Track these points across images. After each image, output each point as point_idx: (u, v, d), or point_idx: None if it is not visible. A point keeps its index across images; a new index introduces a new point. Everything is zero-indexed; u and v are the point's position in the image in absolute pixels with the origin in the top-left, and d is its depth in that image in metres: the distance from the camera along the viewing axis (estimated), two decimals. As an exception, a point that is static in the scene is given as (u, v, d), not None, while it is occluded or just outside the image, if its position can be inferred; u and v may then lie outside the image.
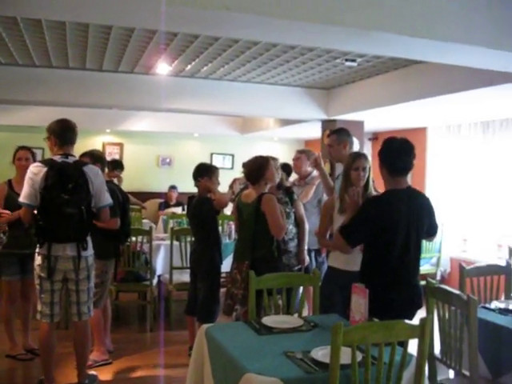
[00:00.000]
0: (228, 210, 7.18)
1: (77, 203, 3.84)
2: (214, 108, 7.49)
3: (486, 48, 3.73)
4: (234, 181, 7.22)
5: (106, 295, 4.85)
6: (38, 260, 3.94)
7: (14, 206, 4.44)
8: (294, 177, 5.95)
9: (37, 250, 3.96)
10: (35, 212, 3.88)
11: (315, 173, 5.33)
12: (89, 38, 5.25)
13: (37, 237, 3.92)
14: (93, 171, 4.03)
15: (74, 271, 3.96)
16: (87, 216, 3.92)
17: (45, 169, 3.84)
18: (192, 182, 4.90)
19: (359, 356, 2.41)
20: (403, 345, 2.43)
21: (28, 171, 3.92)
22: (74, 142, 4.10)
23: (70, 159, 3.98)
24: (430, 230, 3.50)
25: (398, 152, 3.35)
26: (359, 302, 2.88)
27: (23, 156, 4.82)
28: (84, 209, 3.88)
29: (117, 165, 7.82)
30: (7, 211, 4.42)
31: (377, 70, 6.35)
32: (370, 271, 3.38)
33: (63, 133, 4.03)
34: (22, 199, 3.89)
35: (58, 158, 3.94)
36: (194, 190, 4.96)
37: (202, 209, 4.70)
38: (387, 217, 3.29)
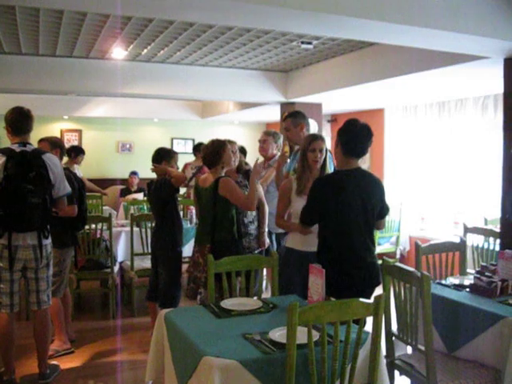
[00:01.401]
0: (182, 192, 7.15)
1: (41, 193, 3.80)
2: (172, 92, 7.43)
3: (440, 30, 3.80)
4: (186, 165, 7.22)
5: (65, 284, 4.80)
6: None
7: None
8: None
9: None
10: None
11: (278, 155, 5.33)
12: (40, 23, 5.14)
13: None
14: (52, 160, 3.97)
15: (34, 260, 3.92)
16: (50, 205, 3.88)
17: (3, 158, 3.76)
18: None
19: (316, 335, 2.45)
20: (359, 323, 2.49)
21: None
22: (30, 130, 4.01)
23: (29, 147, 3.91)
24: (381, 212, 3.55)
25: (357, 135, 3.40)
26: (316, 282, 2.92)
27: None
28: (47, 198, 3.84)
29: (80, 150, 7.76)
30: None
31: (333, 52, 6.38)
32: (325, 251, 3.44)
33: (17, 121, 3.95)
34: None
35: (16, 147, 3.86)
36: (155, 175, 4.95)
37: (161, 190, 4.69)
38: (335, 195, 3.36)
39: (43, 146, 4.49)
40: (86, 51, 6.45)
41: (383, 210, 3.56)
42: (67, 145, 9.22)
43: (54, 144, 4.67)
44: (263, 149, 5.37)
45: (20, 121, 3.96)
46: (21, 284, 4.07)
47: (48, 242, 4.02)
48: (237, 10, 3.40)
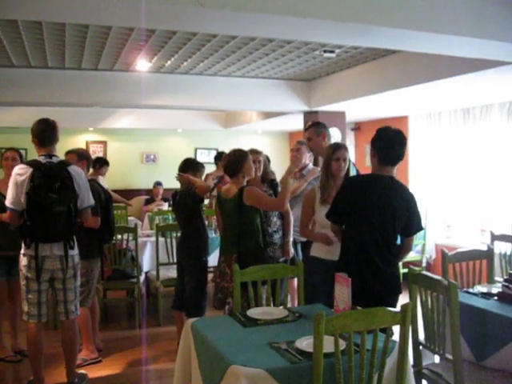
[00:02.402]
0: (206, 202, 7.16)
1: (65, 201, 3.87)
2: (195, 103, 7.48)
3: (464, 36, 3.77)
4: (207, 176, 7.24)
5: (92, 293, 4.86)
6: (23, 261, 3.95)
7: (0, 207, 4.45)
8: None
9: (22, 251, 3.97)
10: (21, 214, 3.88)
11: (311, 165, 5.32)
12: (66, 37, 5.23)
13: (23, 238, 3.92)
14: (77, 171, 4.06)
15: (61, 270, 3.98)
16: (74, 215, 3.94)
17: (30, 170, 3.85)
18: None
19: (343, 344, 2.44)
20: (386, 332, 2.47)
21: (13, 173, 3.93)
22: (55, 141, 4.10)
23: (54, 159, 4.00)
24: (406, 229, 3.43)
25: (391, 141, 3.38)
26: (342, 291, 2.91)
27: (10, 156, 4.83)
28: (72, 207, 3.90)
29: (104, 161, 7.87)
30: None
31: (355, 60, 6.38)
32: (347, 260, 3.42)
33: (42, 133, 4.04)
34: (8, 204, 3.91)
35: (42, 159, 3.95)
36: (179, 185, 4.99)
37: (186, 200, 4.73)
38: (360, 196, 3.33)
39: (70, 158, 4.58)
40: (111, 64, 6.53)
41: (410, 227, 3.44)
42: (92, 156, 9.32)
43: (81, 156, 4.76)
44: (296, 158, 5.37)
45: (45, 132, 4.05)
46: (48, 294, 4.12)
47: (75, 252, 4.08)
48: (260, 21, 3.43)
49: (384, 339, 2.46)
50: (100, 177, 7.69)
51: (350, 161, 4.03)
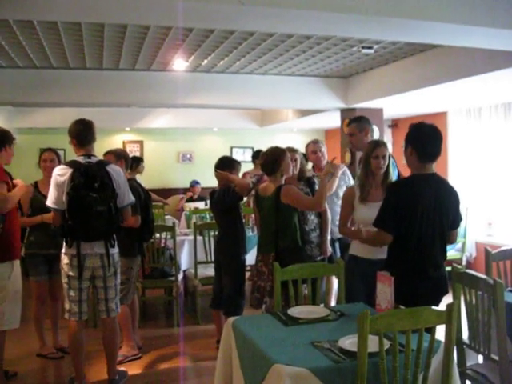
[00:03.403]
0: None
1: (105, 201, 3.91)
2: (232, 102, 7.50)
3: (505, 29, 3.69)
4: (244, 174, 7.24)
5: (132, 291, 4.91)
6: (65, 259, 4.01)
7: (40, 208, 4.53)
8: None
9: (63, 250, 4.03)
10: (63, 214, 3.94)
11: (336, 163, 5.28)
12: (105, 38, 5.29)
13: (65, 237, 3.98)
14: (115, 170, 4.10)
15: (101, 268, 4.03)
16: (115, 213, 3.99)
17: (70, 170, 3.90)
18: (213, 177, 4.94)
19: (386, 344, 2.40)
20: (430, 331, 2.43)
21: (53, 174, 3.99)
22: (93, 140, 4.15)
23: (93, 159, 4.04)
24: (454, 223, 3.42)
25: (429, 137, 3.32)
26: (384, 290, 2.87)
27: (48, 157, 4.90)
28: (112, 206, 3.95)
29: (139, 159, 7.96)
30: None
31: (394, 56, 6.30)
32: (395, 259, 3.36)
33: (80, 133, 4.09)
34: (50, 204, 3.96)
35: (81, 159, 4.00)
36: (216, 184, 5.00)
37: (225, 198, 4.74)
38: (410, 199, 3.26)
39: (109, 158, 4.64)
40: (148, 64, 6.58)
41: (456, 221, 3.43)
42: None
43: (119, 155, 4.83)
44: (318, 158, 5.34)
45: (83, 132, 4.10)
46: (89, 293, 4.18)
47: (115, 251, 4.12)
48: (299, 17, 3.41)
49: (429, 339, 2.41)
50: (137, 175, 7.76)
51: (390, 158, 3.97)
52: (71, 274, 3.98)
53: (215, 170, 4.86)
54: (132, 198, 4.22)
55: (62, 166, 4.01)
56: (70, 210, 3.87)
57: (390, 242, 3.37)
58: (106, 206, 3.91)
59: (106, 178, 3.95)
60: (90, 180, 3.87)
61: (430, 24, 3.56)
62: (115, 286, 4.16)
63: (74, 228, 3.90)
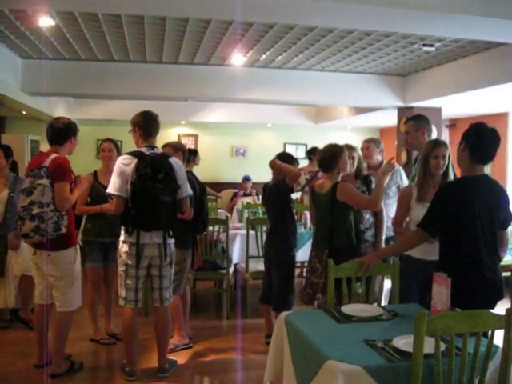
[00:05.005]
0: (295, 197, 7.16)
1: (169, 192, 3.98)
2: (288, 98, 7.50)
3: None
4: (299, 170, 7.22)
5: (184, 282, 4.97)
6: (124, 247, 4.08)
7: (99, 197, 4.64)
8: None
9: (122, 238, 4.11)
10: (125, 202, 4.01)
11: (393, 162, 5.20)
12: (166, 32, 5.37)
13: (125, 225, 4.06)
14: (177, 163, 4.18)
15: (158, 258, 4.10)
16: (177, 205, 4.06)
17: (135, 160, 3.98)
18: (266, 173, 4.96)
19: (442, 346, 2.36)
20: (486, 335, 2.37)
21: (117, 163, 4.07)
22: (156, 134, 4.24)
23: (157, 151, 4.12)
24: (504, 223, 3.32)
25: (487, 139, 3.24)
26: (441, 291, 2.82)
27: (107, 147, 5.01)
28: (176, 197, 4.03)
29: (195, 151, 8.06)
30: None
31: (455, 54, 6.17)
32: (449, 260, 3.29)
33: (147, 125, 4.17)
34: (113, 191, 4.01)
35: (145, 150, 4.07)
36: (268, 179, 5.03)
37: (276, 191, 4.78)
38: (461, 200, 3.19)
39: (167, 151, 4.69)
40: (207, 58, 6.65)
41: (507, 220, 3.34)
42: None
43: (177, 148, 4.89)
44: (366, 156, 5.29)
45: (150, 124, 4.18)
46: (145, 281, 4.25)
47: (172, 241, 4.20)
48: (362, 13, 3.38)
49: (487, 343, 2.36)
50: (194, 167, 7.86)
51: (449, 158, 3.89)
52: (129, 262, 4.06)
53: (271, 161, 4.88)
54: (190, 191, 4.29)
55: (126, 156, 4.08)
56: (134, 199, 3.94)
57: (417, 244, 3.39)
58: (170, 196, 3.99)
59: (169, 169, 4.02)
60: (156, 171, 3.95)
61: (498, 22, 3.46)
62: (170, 275, 4.24)
63: (137, 217, 3.97)
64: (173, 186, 4.02)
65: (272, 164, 4.87)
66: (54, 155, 4.05)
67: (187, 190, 4.23)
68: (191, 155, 7.94)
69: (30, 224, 3.88)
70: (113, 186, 4.01)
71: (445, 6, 3.35)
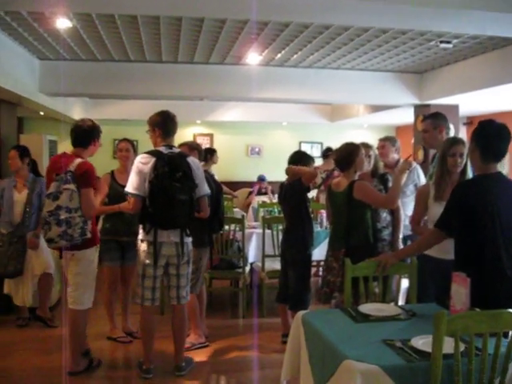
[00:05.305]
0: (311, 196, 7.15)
1: (187, 190, 4.00)
2: (303, 96, 7.49)
3: None
4: (315, 169, 7.22)
5: (201, 281, 4.98)
6: (142, 246, 4.11)
7: (116, 196, 4.65)
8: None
9: (140, 236, 4.14)
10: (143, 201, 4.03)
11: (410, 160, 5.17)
12: (182, 32, 5.39)
13: (143, 224, 4.08)
14: (195, 162, 4.20)
15: (176, 256, 4.11)
16: (194, 204, 4.08)
17: (153, 159, 3.99)
18: (281, 172, 4.95)
19: (461, 346, 2.34)
20: (506, 336, 2.34)
21: (136, 162, 4.08)
22: (174, 133, 4.26)
23: (175, 150, 4.13)
24: None
25: (495, 137, 3.19)
26: (460, 291, 2.79)
27: (124, 147, 5.03)
28: (193, 196, 4.04)
29: (213, 150, 8.11)
30: None
31: (473, 51, 6.11)
32: (468, 260, 3.26)
33: (165, 124, 4.19)
34: (131, 190, 4.03)
35: (163, 149, 4.08)
36: (282, 179, 5.03)
37: (293, 190, 4.78)
38: (478, 199, 3.15)
39: (183, 150, 4.71)
40: (222, 57, 6.66)
41: None
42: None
43: (192, 147, 4.89)
44: (382, 154, 5.25)
45: (168, 123, 4.21)
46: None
47: (189, 240, 4.21)
48: (377, 11, 3.36)
49: (508, 343, 2.33)
50: (213, 166, 7.90)
51: (467, 157, 3.85)
52: (147, 261, 4.08)
53: (288, 167, 4.87)
54: (208, 190, 4.30)
55: (144, 155, 4.09)
56: (152, 197, 3.96)
57: (435, 243, 3.36)
58: (187, 195, 4.00)
59: (187, 168, 4.03)
60: (173, 170, 3.96)
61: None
62: (187, 274, 4.25)
63: (154, 215, 3.99)
64: (190, 184, 4.03)
65: (288, 171, 4.87)
66: (80, 160, 4.04)
67: (205, 188, 4.24)
68: (208, 154, 8.01)
69: (57, 229, 3.88)
70: (131, 185, 4.04)
71: (462, 3, 3.32)
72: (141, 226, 4.14)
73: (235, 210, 8.80)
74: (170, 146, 4.15)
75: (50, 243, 4.00)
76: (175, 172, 3.95)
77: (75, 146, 4.19)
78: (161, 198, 3.92)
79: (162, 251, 4.07)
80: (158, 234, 4.04)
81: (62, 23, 4.93)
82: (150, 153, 4.08)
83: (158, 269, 4.11)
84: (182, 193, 3.95)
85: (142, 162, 4.03)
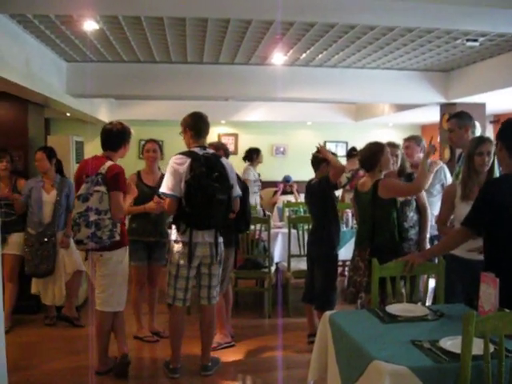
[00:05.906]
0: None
1: (225, 190, 4.03)
2: (328, 95, 7.47)
3: None
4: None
5: (227, 281, 5.00)
6: (176, 247, 4.13)
7: (142, 197, 4.69)
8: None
9: (173, 237, 4.16)
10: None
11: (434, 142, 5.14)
12: (207, 33, 5.41)
13: (178, 224, 4.10)
14: (228, 163, 4.23)
15: (209, 257, 4.14)
16: (231, 204, 4.12)
17: (189, 160, 4.01)
18: (306, 171, 4.95)
19: (490, 348, 2.32)
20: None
21: (171, 162, 4.09)
22: (207, 134, 4.28)
23: (208, 151, 4.16)
24: None
25: None
26: (489, 291, 2.76)
27: (151, 148, 5.07)
28: (230, 196, 4.08)
29: (258, 150, 8.20)
30: None
31: (500, 49, 6.02)
32: (496, 260, 3.22)
33: (198, 125, 4.21)
34: (167, 191, 4.04)
35: (198, 150, 4.11)
36: (307, 178, 5.04)
37: (319, 188, 4.79)
38: (506, 197, 3.11)
39: (210, 150, 4.74)
40: (247, 58, 6.67)
41: None
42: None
43: (218, 147, 4.91)
44: (407, 154, 5.22)
45: (202, 124, 4.23)
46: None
47: (221, 240, 4.25)
48: (402, 10, 3.35)
49: (538, 345, 2.31)
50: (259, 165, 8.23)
51: (494, 155, 3.81)
52: (181, 262, 4.10)
53: (319, 146, 4.88)
54: (239, 191, 4.31)
55: (179, 156, 4.10)
56: (189, 197, 3.95)
57: (462, 242, 3.30)
58: (225, 195, 4.02)
59: (222, 169, 4.06)
60: (210, 170, 3.98)
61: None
62: (219, 274, 4.28)
63: (191, 215, 3.99)
64: (227, 184, 4.05)
65: (321, 149, 4.84)
66: (110, 162, 4.08)
67: (237, 189, 4.26)
68: (254, 154, 8.16)
69: (86, 231, 3.92)
70: (166, 186, 4.04)
71: (488, 1, 3.29)
72: (174, 227, 4.16)
73: (257, 208, 8.81)
74: (204, 147, 4.17)
75: (79, 245, 4.06)
76: (212, 172, 3.97)
77: (105, 149, 4.21)
78: (199, 197, 3.92)
79: (197, 252, 4.09)
80: (193, 235, 4.06)
81: (89, 25, 4.99)
82: (185, 153, 4.10)
83: (191, 269, 4.13)
84: (221, 192, 3.97)
85: (177, 163, 4.04)
